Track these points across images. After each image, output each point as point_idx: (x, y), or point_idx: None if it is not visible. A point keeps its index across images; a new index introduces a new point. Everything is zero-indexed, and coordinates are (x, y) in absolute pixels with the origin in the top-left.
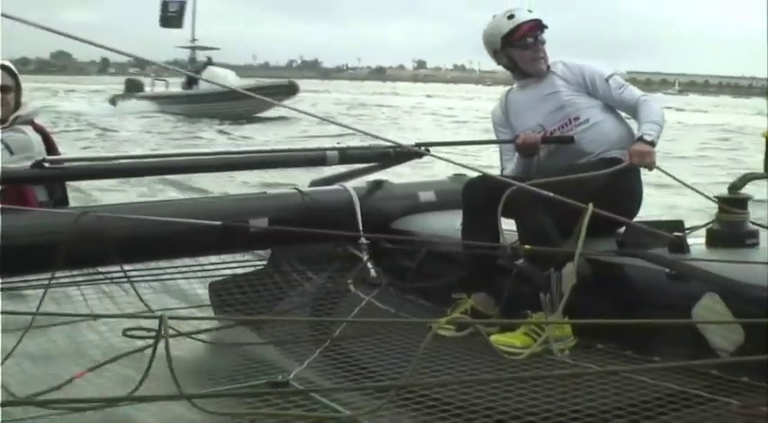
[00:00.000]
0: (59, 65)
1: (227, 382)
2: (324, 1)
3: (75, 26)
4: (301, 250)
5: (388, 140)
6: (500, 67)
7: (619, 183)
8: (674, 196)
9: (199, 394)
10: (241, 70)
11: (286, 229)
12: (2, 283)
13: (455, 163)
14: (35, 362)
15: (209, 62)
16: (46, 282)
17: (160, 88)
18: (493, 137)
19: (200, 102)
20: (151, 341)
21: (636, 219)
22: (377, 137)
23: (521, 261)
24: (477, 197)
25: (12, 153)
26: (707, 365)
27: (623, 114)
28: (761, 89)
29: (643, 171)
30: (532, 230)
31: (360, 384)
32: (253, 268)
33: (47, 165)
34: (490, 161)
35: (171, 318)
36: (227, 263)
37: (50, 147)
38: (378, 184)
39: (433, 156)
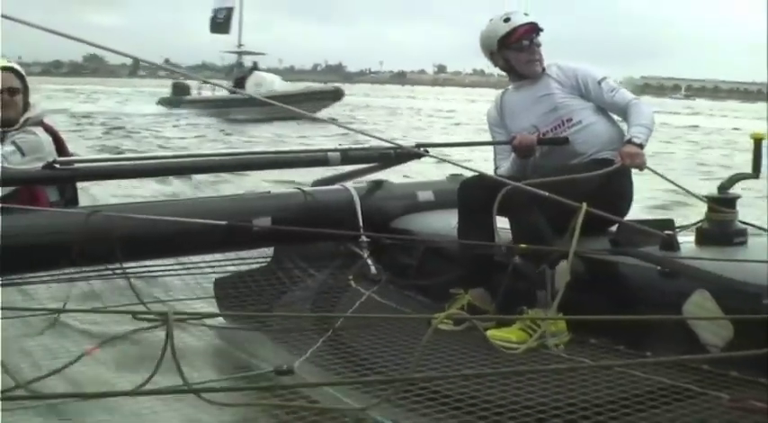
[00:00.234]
0: (91, 67)
1: (233, 373)
2: (347, 7)
3: (98, 29)
4: (304, 248)
5: (389, 141)
6: None
7: (611, 183)
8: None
9: (205, 388)
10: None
11: (289, 229)
12: (19, 279)
13: (453, 163)
14: (48, 349)
15: (255, 67)
16: (59, 278)
17: (207, 92)
18: (488, 137)
19: (248, 105)
20: (157, 323)
21: (627, 217)
22: (377, 138)
23: (516, 258)
24: (473, 197)
25: (23, 155)
26: (697, 360)
27: (616, 117)
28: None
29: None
30: (527, 229)
31: (365, 377)
32: (257, 265)
33: (58, 166)
34: (484, 162)
35: (177, 313)
36: (232, 260)
37: (60, 147)
38: (378, 184)
39: (431, 156)
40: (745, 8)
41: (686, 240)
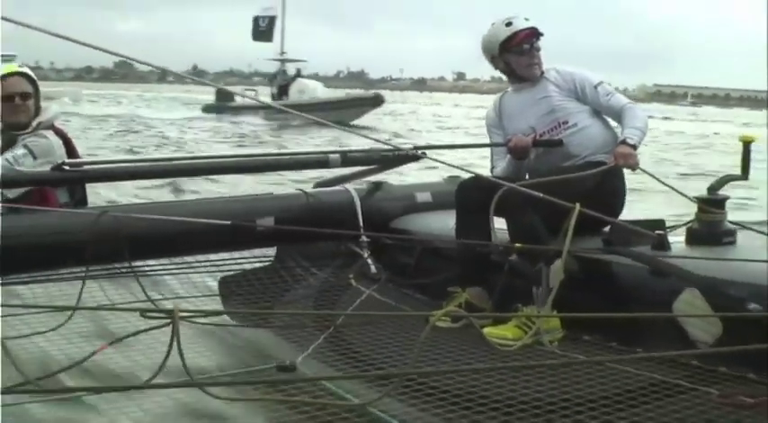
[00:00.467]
0: (121, 73)
1: (236, 369)
2: (368, 15)
3: (124, 37)
4: (306, 248)
5: (388, 144)
6: None
7: (604, 184)
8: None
9: (210, 383)
10: None
11: (291, 229)
12: (29, 277)
13: (451, 164)
14: (59, 345)
15: (299, 74)
16: (69, 277)
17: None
18: (485, 140)
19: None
20: (164, 321)
21: (620, 217)
22: (377, 140)
23: (513, 257)
24: (470, 198)
25: (35, 158)
26: (687, 356)
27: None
28: None
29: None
30: (522, 229)
31: (365, 373)
32: (260, 265)
33: (66, 168)
34: (481, 160)
35: (183, 311)
36: (236, 259)
37: (71, 150)
38: (377, 186)
39: (429, 158)
40: (762, 21)
41: (677, 240)
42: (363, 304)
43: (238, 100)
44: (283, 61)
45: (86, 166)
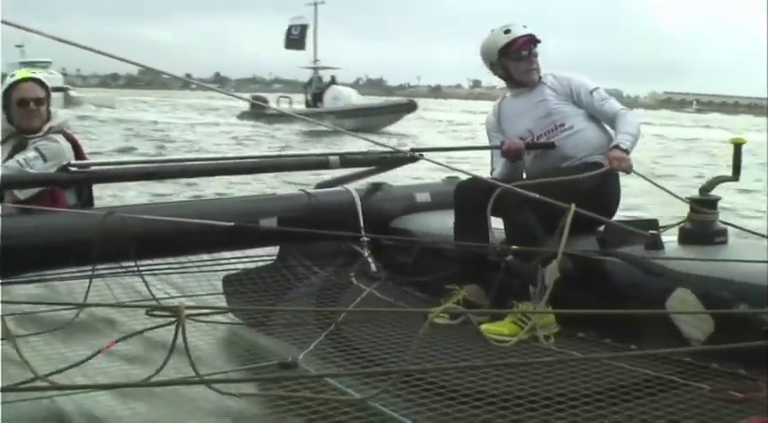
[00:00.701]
0: (146, 80)
1: (240, 366)
2: (387, 23)
3: (152, 44)
4: (307, 247)
5: (386, 146)
6: None
7: (599, 185)
8: None
9: (214, 379)
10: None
11: (293, 229)
12: (38, 275)
13: (447, 166)
14: (67, 343)
15: (333, 81)
16: (77, 275)
17: (284, 105)
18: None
19: (326, 119)
20: (170, 319)
21: (614, 217)
22: (376, 143)
23: (509, 256)
24: (468, 198)
25: (45, 160)
26: (680, 353)
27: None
28: None
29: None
30: (519, 228)
31: (365, 369)
32: (263, 264)
33: (73, 169)
34: (479, 162)
35: (188, 308)
36: (240, 258)
37: (79, 154)
38: (377, 187)
39: (426, 160)
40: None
41: (669, 240)
42: (364, 302)
43: (271, 106)
44: (316, 69)
45: (92, 168)
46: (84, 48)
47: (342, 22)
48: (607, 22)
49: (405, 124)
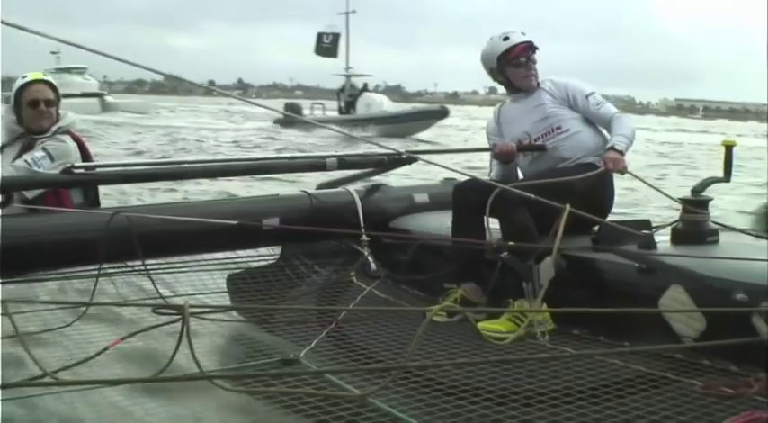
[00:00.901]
0: (171, 86)
1: (243, 362)
2: (404, 30)
3: (180, 51)
4: (309, 246)
5: (385, 147)
6: None
7: (594, 186)
8: None
9: (218, 375)
10: (330, 94)
11: (295, 228)
12: (45, 274)
13: (444, 166)
14: (74, 340)
15: (365, 88)
16: (83, 274)
17: (318, 112)
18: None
19: (360, 126)
20: (175, 317)
21: (609, 217)
22: (375, 144)
23: (505, 254)
24: (467, 199)
25: (53, 160)
26: (672, 350)
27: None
28: None
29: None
30: (513, 226)
31: (365, 365)
32: (266, 263)
33: (76, 171)
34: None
35: (192, 306)
36: (243, 258)
37: (85, 154)
38: (377, 187)
39: (423, 161)
40: None
41: (662, 239)
42: (364, 300)
43: (305, 113)
44: (349, 76)
45: (97, 169)
46: (91, 50)
47: (362, 29)
48: (620, 26)
49: (435, 131)
